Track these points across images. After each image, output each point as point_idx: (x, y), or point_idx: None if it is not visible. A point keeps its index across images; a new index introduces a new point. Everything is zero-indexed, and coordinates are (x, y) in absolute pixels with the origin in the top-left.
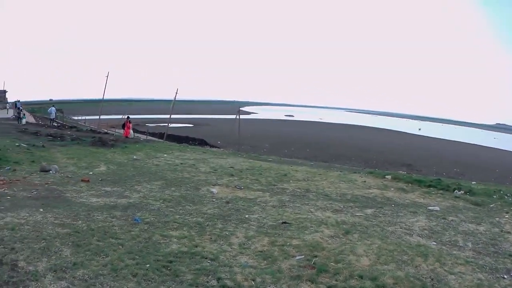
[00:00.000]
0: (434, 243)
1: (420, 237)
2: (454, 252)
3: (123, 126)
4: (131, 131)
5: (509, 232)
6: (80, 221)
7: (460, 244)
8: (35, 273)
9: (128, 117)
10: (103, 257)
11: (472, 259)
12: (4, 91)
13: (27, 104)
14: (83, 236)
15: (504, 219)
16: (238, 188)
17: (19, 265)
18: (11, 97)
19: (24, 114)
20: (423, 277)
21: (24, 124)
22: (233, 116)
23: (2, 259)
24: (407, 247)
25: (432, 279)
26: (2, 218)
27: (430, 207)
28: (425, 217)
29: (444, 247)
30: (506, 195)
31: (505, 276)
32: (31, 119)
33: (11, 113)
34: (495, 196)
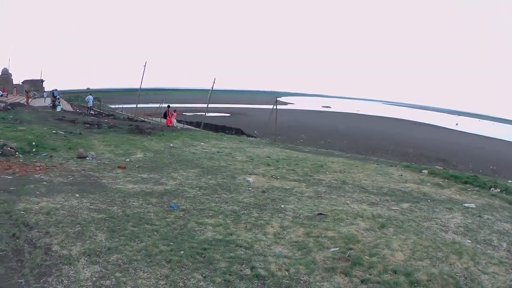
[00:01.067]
0: (469, 241)
1: (455, 234)
2: (489, 251)
3: (164, 115)
4: (174, 120)
5: None
6: (115, 207)
7: (495, 244)
8: (68, 257)
9: (168, 106)
10: (137, 243)
11: (506, 259)
12: (42, 80)
13: (64, 93)
14: (118, 222)
15: None
16: (274, 177)
17: (53, 249)
18: (49, 87)
19: (59, 102)
20: (456, 275)
21: (59, 111)
22: (270, 106)
23: (36, 242)
24: (442, 244)
25: (465, 278)
26: (37, 202)
27: (466, 204)
28: (461, 214)
29: (478, 246)
30: None
31: None
32: (68, 107)
33: (48, 101)
34: None
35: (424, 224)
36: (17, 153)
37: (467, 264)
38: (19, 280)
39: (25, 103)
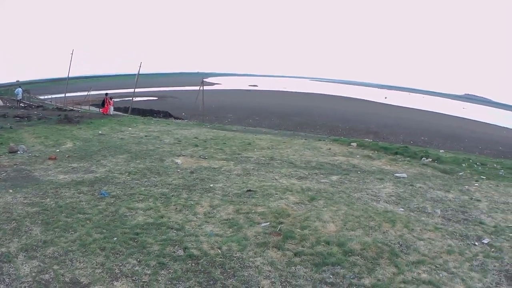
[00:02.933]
0: (402, 209)
1: (387, 203)
2: (423, 218)
3: (103, 103)
4: (112, 107)
5: (479, 200)
6: (48, 199)
7: (429, 211)
8: (7, 254)
9: (106, 93)
10: (71, 233)
11: (441, 225)
12: None
13: None
14: (52, 214)
15: (474, 187)
16: (202, 158)
17: None
18: None
19: None
20: (391, 242)
21: None
22: (197, 88)
23: None
24: (374, 213)
25: (400, 245)
26: None
27: (397, 174)
28: (392, 184)
29: (412, 214)
30: (475, 164)
31: (476, 243)
32: None
33: None
34: (464, 165)
35: (355, 195)
36: None
37: (401, 232)
38: None
39: None
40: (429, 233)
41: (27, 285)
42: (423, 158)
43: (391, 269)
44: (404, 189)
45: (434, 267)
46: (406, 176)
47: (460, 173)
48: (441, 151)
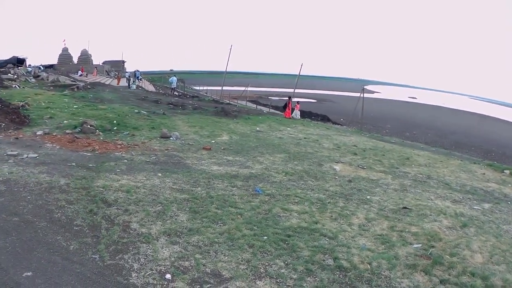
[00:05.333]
0: None
1: None
2: None
3: (285, 106)
4: (298, 111)
5: None
6: (199, 188)
7: None
8: (147, 235)
9: (289, 97)
10: (220, 225)
11: None
12: (123, 61)
13: (147, 74)
14: (202, 203)
15: None
16: (360, 167)
17: (132, 226)
18: (130, 68)
19: (134, 81)
20: None
21: (134, 89)
22: (357, 94)
23: (114, 219)
24: None
25: None
26: (117, 180)
27: None
28: None
29: None
30: None
31: None
32: (151, 88)
33: (136, 83)
34: None
35: (504, 227)
36: (97, 131)
37: None
38: (93, 256)
39: (116, 84)
40: None
41: (163, 268)
42: None
43: None
44: None
45: None
46: None
47: None
48: None
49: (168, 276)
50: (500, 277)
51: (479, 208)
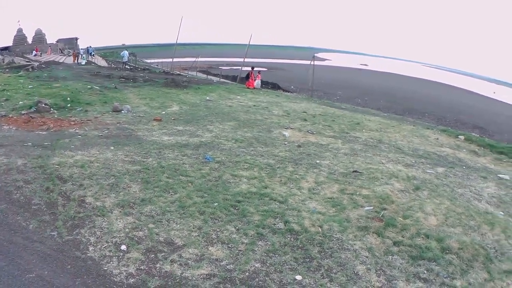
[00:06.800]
0: (502, 213)
1: (488, 204)
2: None
3: (247, 76)
4: (259, 81)
5: None
6: (150, 159)
7: None
8: (102, 208)
9: (252, 67)
10: (171, 194)
11: None
12: (76, 38)
13: (100, 49)
14: (153, 173)
15: None
16: (310, 133)
17: (87, 201)
18: (83, 44)
19: (83, 56)
20: (487, 246)
21: (83, 65)
22: (307, 62)
23: (70, 195)
24: (475, 213)
25: (496, 250)
26: (72, 156)
27: (500, 175)
28: (495, 184)
29: (511, 219)
30: None
31: None
32: (104, 63)
33: (85, 58)
34: None
35: (458, 191)
36: (51, 109)
37: (498, 237)
38: (52, 233)
39: (72, 62)
40: None
41: (118, 239)
42: None
43: (483, 275)
44: (506, 192)
45: None
46: (509, 178)
47: None
48: None
49: (123, 247)
50: (456, 239)
51: (432, 172)
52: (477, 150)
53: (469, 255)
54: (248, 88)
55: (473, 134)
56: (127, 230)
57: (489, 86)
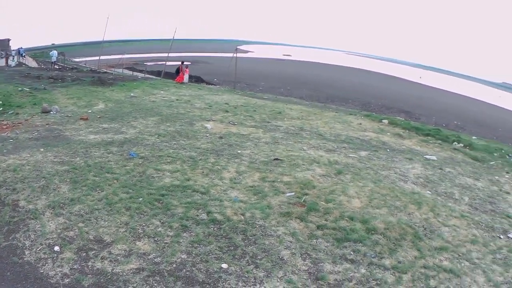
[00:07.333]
0: (429, 192)
1: (414, 184)
2: (449, 204)
3: (177, 71)
4: (187, 75)
5: (508, 193)
6: (78, 158)
7: (456, 197)
8: (34, 211)
9: (182, 62)
10: (98, 192)
11: (467, 214)
12: (8, 40)
13: (30, 50)
14: (81, 172)
15: (504, 178)
16: (232, 124)
17: (20, 204)
18: (16, 46)
19: (13, 58)
20: (415, 225)
21: (13, 67)
22: (230, 54)
23: (4, 200)
24: (401, 193)
25: (425, 229)
26: (4, 161)
27: (427, 156)
28: (421, 165)
29: (439, 198)
30: (508, 154)
31: (501, 236)
32: (34, 64)
33: (15, 60)
34: (496, 154)
35: (383, 173)
36: None
37: (426, 215)
38: None
39: (5, 64)
40: (454, 220)
41: (51, 241)
42: (454, 143)
43: (413, 253)
44: (433, 172)
45: (457, 256)
46: (436, 159)
47: (491, 162)
48: (473, 137)
49: (56, 248)
50: (381, 219)
51: (355, 156)
52: (401, 133)
53: (396, 235)
54: (177, 82)
55: (398, 117)
56: (59, 231)
57: (415, 71)
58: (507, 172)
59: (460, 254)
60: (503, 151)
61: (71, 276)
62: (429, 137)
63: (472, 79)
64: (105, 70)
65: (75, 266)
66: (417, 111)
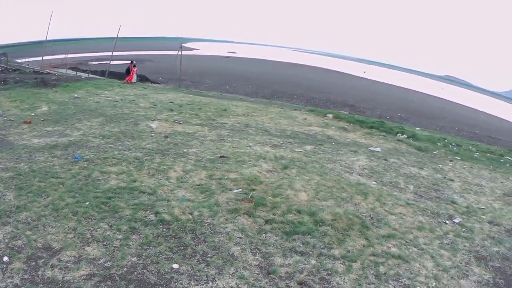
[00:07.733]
0: (375, 183)
1: (360, 176)
2: (395, 193)
3: (127, 71)
4: (135, 75)
5: (452, 180)
6: (22, 163)
7: (401, 186)
8: None
9: (131, 61)
10: (44, 198)
11: (413, 201)
12: None
13: None
14: (25, 178)
15: (448, 166)
16: (177, 122)
17: None
18: None
19: None
20: (362, 215)
21: None
22: (175, 52)
23: None
24: (347, 185)
25: (371, 218)
26: None
27: (371, 148)
28: (366, 157)
29: (384, 188)
30: (451, 144)
31: (447, 222)
32: None
33: None
34: (439, 144)
35: (328, 166)
36: None
37: (373, 205)
38: None
39: None
40: (400, 208)
41: (0, 252)
42: (398, 134)
43: (361, 241)
44: (377, 163)
45: (404, 242)
46: (380, 150)
47: (435, 152)
48: (417, 128)
49: (5, 258)
50: (328, 211)
51: (301, 150)
52: (346, 126)
53: (344, 225)
54: (127, 82)
55: (343, 112)
56: (6, 240)
57: (359, 66)
58: (451, 161)
59: (408, 241)
60: (446, 140)
61: (22, 287)
62: (373, 130)
63: (416, 72)
64: (48, 71)
65: (25, 276)
66: (362, 105)
